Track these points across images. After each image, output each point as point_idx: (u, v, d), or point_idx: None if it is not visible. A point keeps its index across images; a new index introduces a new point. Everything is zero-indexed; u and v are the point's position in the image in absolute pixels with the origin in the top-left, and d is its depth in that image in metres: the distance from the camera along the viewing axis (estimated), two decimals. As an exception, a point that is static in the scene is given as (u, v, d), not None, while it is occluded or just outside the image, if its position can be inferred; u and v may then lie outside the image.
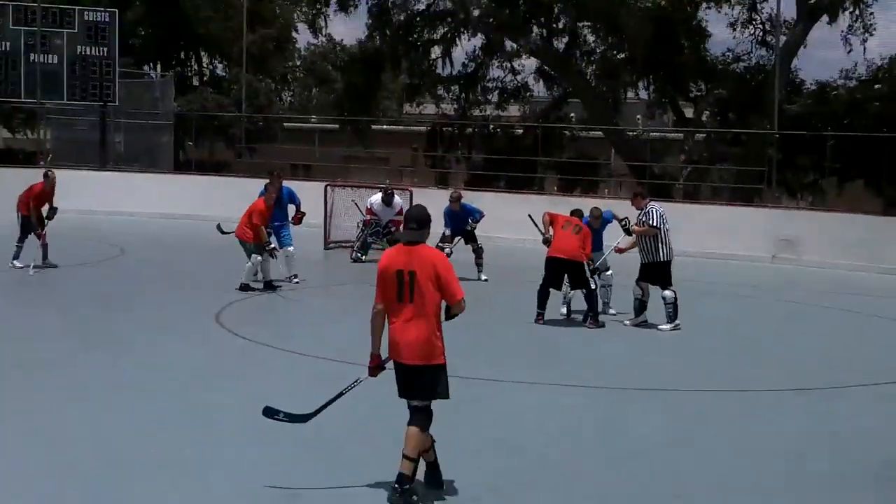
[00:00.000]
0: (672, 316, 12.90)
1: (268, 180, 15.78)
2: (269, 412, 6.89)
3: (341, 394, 6.79)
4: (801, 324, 14.95)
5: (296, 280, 15.64)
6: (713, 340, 12.88)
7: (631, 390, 9.68)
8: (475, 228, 17.42)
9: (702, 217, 22.58)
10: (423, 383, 6.30)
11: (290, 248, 15.82)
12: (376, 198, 19.49)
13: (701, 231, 21.59)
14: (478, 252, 17.54)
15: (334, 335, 11.60)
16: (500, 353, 11.32)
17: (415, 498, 6.19)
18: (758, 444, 8.05)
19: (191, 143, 39.58)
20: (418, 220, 6.43)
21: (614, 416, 8.79)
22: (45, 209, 16.75)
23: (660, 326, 12.96)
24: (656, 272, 13.03)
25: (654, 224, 12.93)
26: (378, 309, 6.39)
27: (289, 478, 6.66)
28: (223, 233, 15.71)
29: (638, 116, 39.68)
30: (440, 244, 17.32)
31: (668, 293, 12.89)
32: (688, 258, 20.48)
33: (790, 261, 21.46)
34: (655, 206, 13.22)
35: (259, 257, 14.65)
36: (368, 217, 19.40)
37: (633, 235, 13.30)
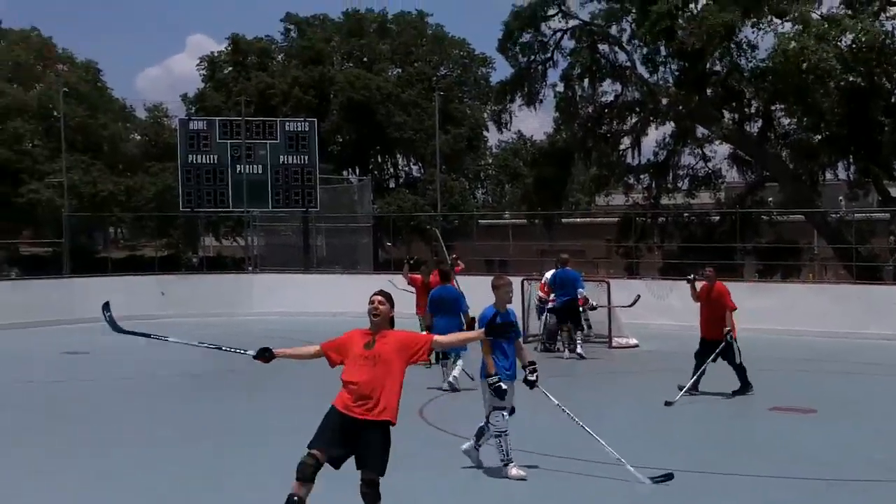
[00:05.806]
0: None
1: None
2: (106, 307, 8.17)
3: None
4: None
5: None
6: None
7: (846, 481, 9.22)
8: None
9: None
10: None
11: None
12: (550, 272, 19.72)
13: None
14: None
15: (534, 428, 11.39)
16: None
17: None
18: None
19: (390, 244, 40.75)
20: None
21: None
22: None
23: None
24: None
25: None
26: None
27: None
28: None
29: (840, 197, 38.41)
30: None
31: None
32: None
33: None
34: None
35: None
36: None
37: None
